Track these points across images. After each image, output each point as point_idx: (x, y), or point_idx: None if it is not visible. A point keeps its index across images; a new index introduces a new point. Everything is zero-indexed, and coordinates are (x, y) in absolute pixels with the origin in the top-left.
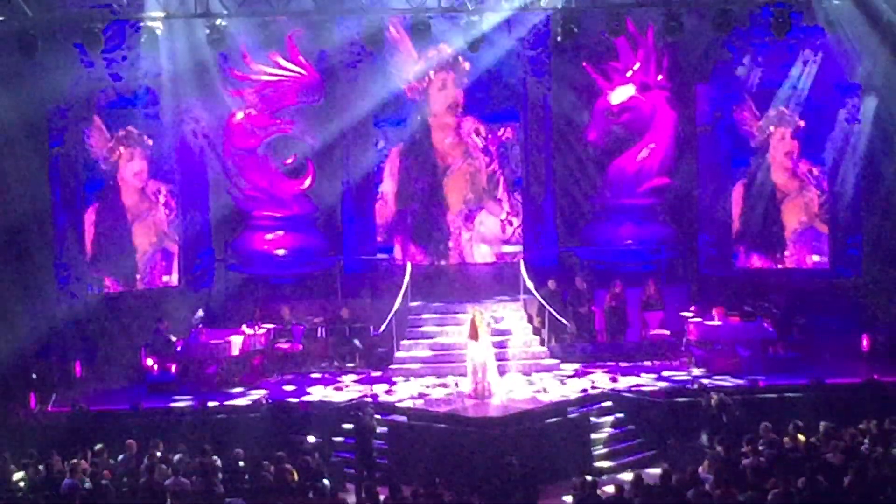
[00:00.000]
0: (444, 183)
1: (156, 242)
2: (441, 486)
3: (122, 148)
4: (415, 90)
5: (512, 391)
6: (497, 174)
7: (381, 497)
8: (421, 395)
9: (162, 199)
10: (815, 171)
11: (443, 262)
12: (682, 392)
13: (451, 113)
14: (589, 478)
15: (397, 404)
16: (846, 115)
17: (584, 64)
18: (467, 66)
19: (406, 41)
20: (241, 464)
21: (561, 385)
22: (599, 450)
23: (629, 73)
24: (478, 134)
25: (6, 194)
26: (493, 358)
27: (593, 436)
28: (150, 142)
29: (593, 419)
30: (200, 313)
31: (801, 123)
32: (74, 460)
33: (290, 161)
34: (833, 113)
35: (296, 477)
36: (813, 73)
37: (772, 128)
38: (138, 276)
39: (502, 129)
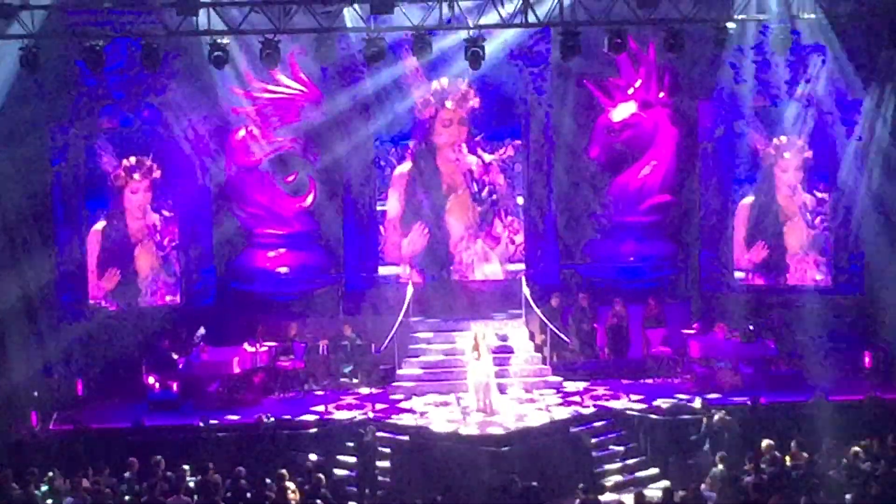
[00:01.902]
0: (448, 202)
1: (157, 263)
2: None
3: (129, 178)
4: (422, 112)
5: (514, 409)
6: (491, 208)
7: None
8: (423, 413)
9: (157, 220)
10: (818, 194)
11: (445, 280)
12: (684, 409)
13: (452, 146)
14: (591, 495)
15: (399, 422)
16: (848, 132)
17: (585, 81)
18: (476, 102)
19: (415, 65)
20: (243, 482)
21: (563, 402)
22: (601, 467)
23: (631, 90)
24: (472, 172)
25: (8, 211)
26: (495, 376)
27: (595, 453)
28: (159, 173)
29: (595, 437)
30: (202, 331)
31: (809, 154)
32: (76, 479)
33: (291, 178)
34: (835, 129)
35: (297, 495)
36: (819, 90)
37: (773, 151)
38: (140, 295)
39: (504, 148)
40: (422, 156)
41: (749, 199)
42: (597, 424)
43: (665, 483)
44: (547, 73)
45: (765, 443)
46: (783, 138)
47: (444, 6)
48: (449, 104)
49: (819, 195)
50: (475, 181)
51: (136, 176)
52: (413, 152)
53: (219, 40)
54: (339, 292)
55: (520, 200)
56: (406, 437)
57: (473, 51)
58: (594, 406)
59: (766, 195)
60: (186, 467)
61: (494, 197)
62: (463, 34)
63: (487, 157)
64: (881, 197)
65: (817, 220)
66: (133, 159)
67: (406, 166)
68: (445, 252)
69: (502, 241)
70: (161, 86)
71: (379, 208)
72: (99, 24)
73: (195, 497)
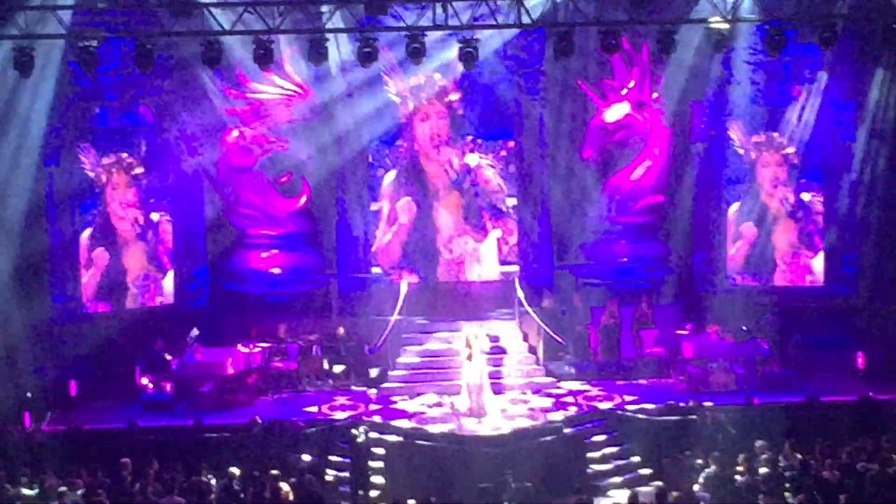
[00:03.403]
0: (438, 202)
1: (147, 264)
2: None
3: (105, 176)
4: (406, 114)
5: (507, 409)
6: (478, 203)
7: None
8: (416, 414)
9: (141, 219)
10: (809, 195)
11: (437, 281)
12: (677, 410)
13: (433, 140)
14: (585, 496)
15: (392, 423)
16: (842, 133)
17: (578, 82)
18: (454, 96)
19: (397, 67)
20: (236, 483)
21: (556, 403)
22: (595, 468)
23: (624, 91)
24: (452, 167)
25: (2, 213)
26: (488, 376)
27: (589, 454)
28: (141, 169)
29: (588, 437)
30: (195, 332)
31: (791, 150)
32: (70, 479)
33: (285, 179)
34: (829, 131)
35: (291, 496)
36: (813, 91)
37: (753, 154)
38: (129, 297)
39: (497, 149)
40: (409, 156)
41: (739, 200)
42: (590, 425)
43: (658, 483)
44: (540, 74)
45: (758, 443)
46: (763, 135)
47: (438, 7)
48: (424, 98)
49: (810, 195)
50: (458, 175)
51: (115, 172)
52: (402, 153)
53: (212, 41)
54: (332, 293)
55: (512, 202)
56: (399, 438)
57: (467, 51)
58: (588, 407)
59: (754, 196)
60: (179, 468)
61: (478, 188)
62: (445, 32)
63: (475, 160)
64: (876, 197)
65: (808, 219)
66: (112, 156)
67: (396, 166)
68: (436, 252)
69: (490, 237)
70: (154, 86)
71: (372, 209)
72: (92, 24)
73: (188, 498)
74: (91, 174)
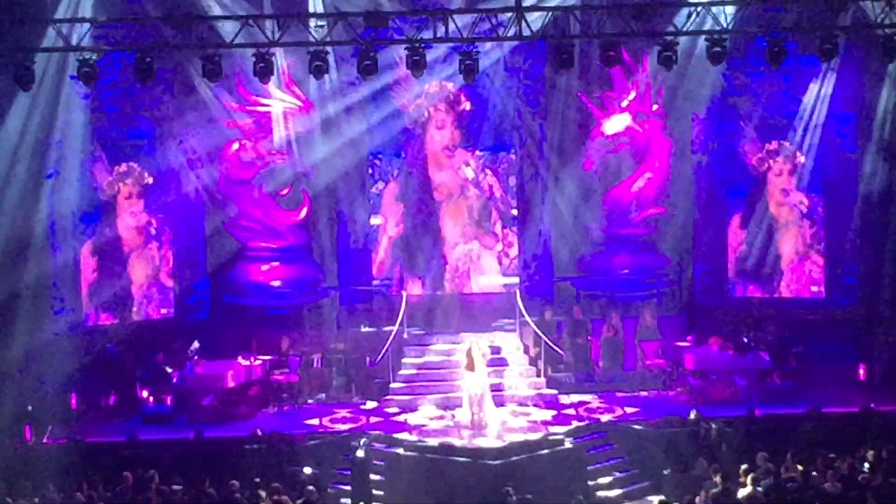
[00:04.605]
0: (441, 214)
1: (151, 276)
2: None
3: (121, 184)
4: (413, 122)
5: (508, 422)
6: (491, 207)
7: None
8: (417, 426)
9: (152, 230)
10: (809, 203)
11: (439, 293)
12: (678, 422)
13: (447, 148)
14: None
15: (394, 435)
16: (843, 144)
17: (579, 93)
18: (468, 105)
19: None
20: (237, 496)
21: (557, 415)
22: (596, 480)
23: (624, 103)
24: (468, 165)
25: (2, 224)
26: (489, 389)
27: (590, 466)
28: (151, 180)
29: (590, 450)
30: (196, 345)
31: (802, 160)
32: (70, 492)
33: (285, 192)
34: (830, 141)
35: None
36: (814, 102)
37: (769, 162)
38: (134, 309)
39: (498, 161)
40: (414, 166)
41: (741, 211)
42: (591, 437)
43: (660, 496)
44: (540, 86)
45: (760, 455)
46: (775, 143)
47: (438, 21)
48: (441, 106)
49: (812, 205)
50: (471, 183)
51: (128, 181)
52: (407, 163)
53: (211, 54)
54: (333, 305)
55: (513, 213)
56: (400, 450)
57: (467, 64)
58: (589, 419)
59: (758, 206)
60: (180, 481)
61: (489, 194)
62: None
63: (471, 174)
64: (876, 207)
65: (818, 225)
66: (125, 166)
67: (400, 177)
68: (439, 263)
69: (499, 244)
70: (154, 99)
71: (372, 222)
72: (92, 37)
73: None
74: (99, 186)
